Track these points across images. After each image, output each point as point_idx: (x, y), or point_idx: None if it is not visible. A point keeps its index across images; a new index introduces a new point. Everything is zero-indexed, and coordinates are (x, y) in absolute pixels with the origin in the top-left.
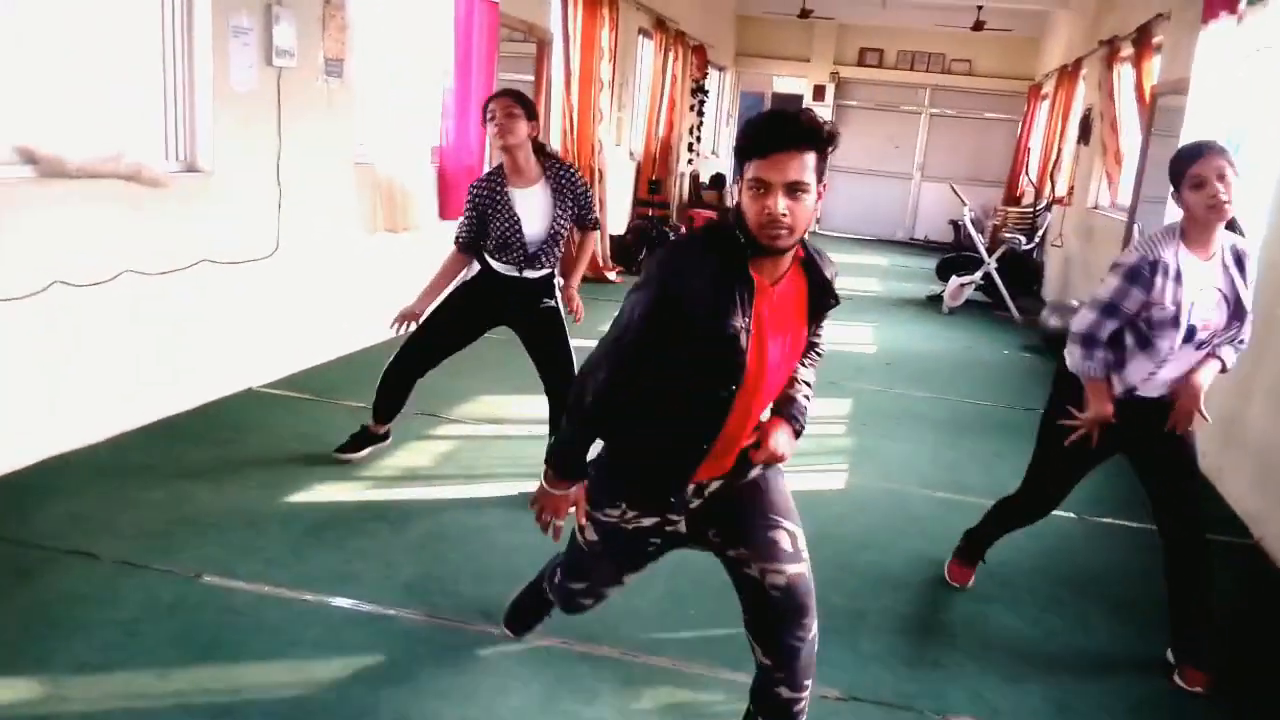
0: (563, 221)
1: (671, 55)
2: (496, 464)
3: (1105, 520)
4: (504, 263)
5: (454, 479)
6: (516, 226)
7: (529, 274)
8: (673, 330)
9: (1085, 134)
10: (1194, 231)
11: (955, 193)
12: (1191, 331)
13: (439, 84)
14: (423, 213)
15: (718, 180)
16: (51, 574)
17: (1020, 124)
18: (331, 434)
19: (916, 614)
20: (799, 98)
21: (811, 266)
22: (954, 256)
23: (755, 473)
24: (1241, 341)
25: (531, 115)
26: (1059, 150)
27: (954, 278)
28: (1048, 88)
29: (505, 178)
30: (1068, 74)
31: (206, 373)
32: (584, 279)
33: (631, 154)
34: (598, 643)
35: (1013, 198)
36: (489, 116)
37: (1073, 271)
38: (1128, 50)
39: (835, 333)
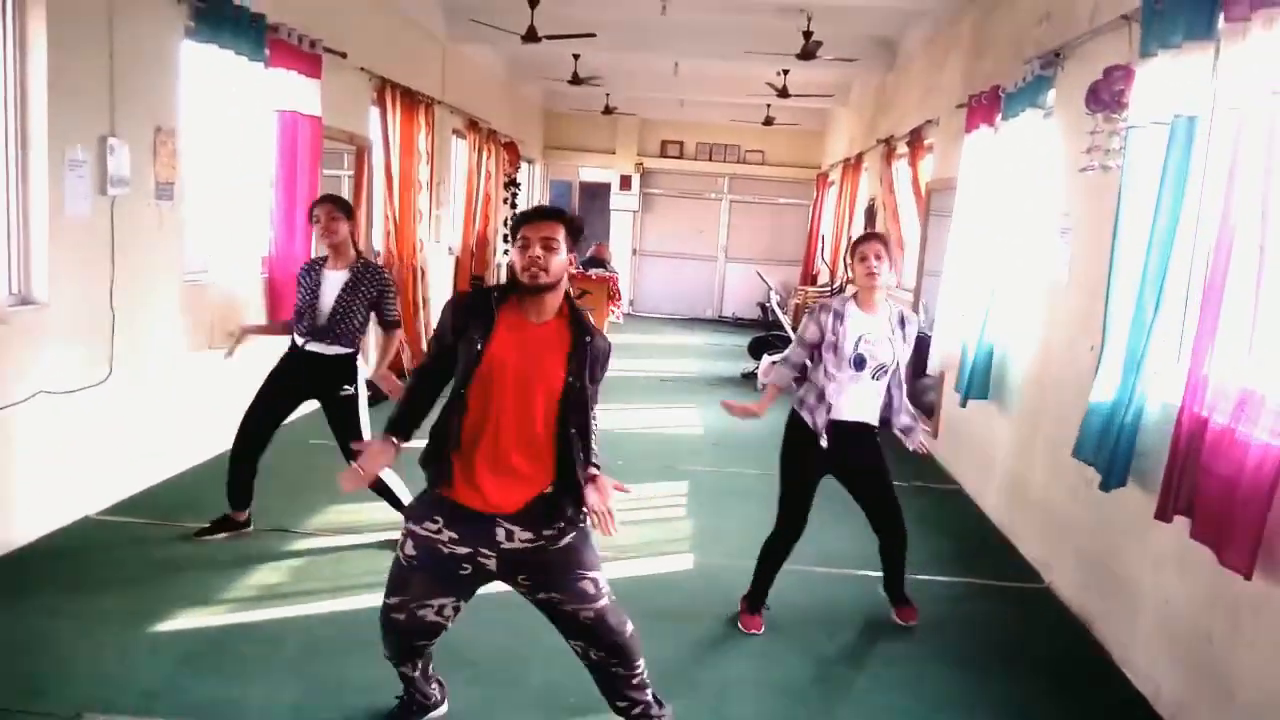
0: (353, 304)
1: (485, 153)
2: (355, 574)
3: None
4: (298, 332)
5: (316, 594)
6: (314, 295)
7: (319, 347)
8: (451, 344)
9: (871, 222)
10: (861, 295)
11: (761, 278)
12: (861, 360)
13: (265, 196)
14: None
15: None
16: None
17: (811, 208)
18: (178, 559)
19: (779, 679)
20: (606, 186)
21: (578, 322)
22: (764, 336)
23: (566, 540)
24: (901, 383)
25: (350, 216)
26: (849, 236)
27: (766, 356)
28: (834, 176)
29: (326, 262)
30: (851, 166)
31: (43, 503)
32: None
33: (450, 250)
34: None
35: (809, 277)
36: (314, 219)
37: None
38: (903, 149)
39: (665, 416)
